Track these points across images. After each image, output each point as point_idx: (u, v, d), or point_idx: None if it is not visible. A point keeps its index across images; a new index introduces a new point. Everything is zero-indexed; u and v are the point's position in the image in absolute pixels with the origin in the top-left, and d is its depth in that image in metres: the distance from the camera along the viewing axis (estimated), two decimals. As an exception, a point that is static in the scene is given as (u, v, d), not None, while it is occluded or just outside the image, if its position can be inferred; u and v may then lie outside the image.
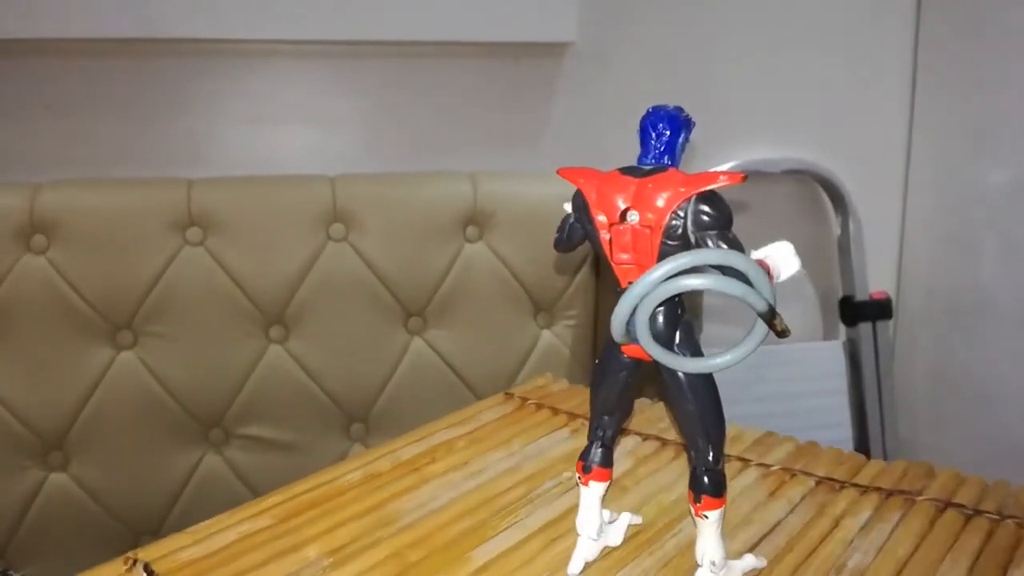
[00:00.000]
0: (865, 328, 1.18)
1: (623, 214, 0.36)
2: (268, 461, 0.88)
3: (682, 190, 0.35)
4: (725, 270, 0.34)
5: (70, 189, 0.84)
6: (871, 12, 1.14)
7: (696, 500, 0.38)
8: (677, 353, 0.37)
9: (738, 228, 0.35)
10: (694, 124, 0.37)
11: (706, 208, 0.35)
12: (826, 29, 1.13)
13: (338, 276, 0.87)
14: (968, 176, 1.11)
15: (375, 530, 0.44)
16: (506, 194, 0.90)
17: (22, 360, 0.82)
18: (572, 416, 0.57)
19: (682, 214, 0.35)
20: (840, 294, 1.19)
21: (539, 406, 0.59)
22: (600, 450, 0.41)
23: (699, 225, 0.35)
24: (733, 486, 0.48)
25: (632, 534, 0.43)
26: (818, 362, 1.19)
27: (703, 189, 0.35)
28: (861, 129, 1.18)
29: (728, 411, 0.37)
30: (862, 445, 1.18)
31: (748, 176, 0.35)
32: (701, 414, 0.37)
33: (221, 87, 0.99)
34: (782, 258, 0.35)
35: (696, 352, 0.37)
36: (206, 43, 0.95)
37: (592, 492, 0.41)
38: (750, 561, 0.40)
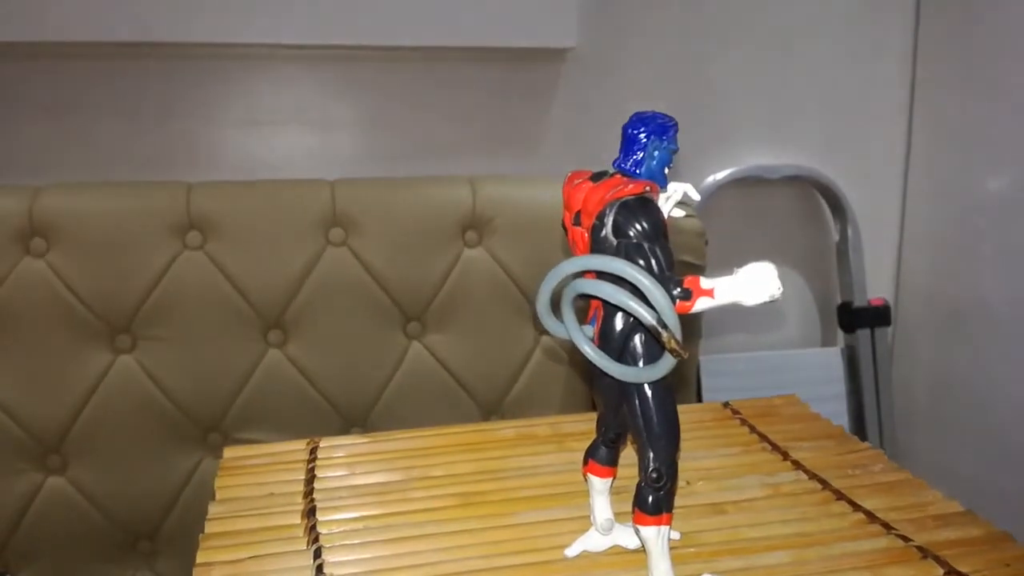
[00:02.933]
0: (863, 334, 1.18)
1: (575, 216, 0.38)
2: (266, 465, 0.88)
3: (608, 196, 0.36)
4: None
5: (69, 192, 0.84)
6: (870, 19, 1.15)
7: (632, 511, 0.38)
8: (627, 360, 0.37)
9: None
10: (675, 128, 0.37)
11: (619, 216, 0.36)
12: (825, 35, 1.13)
13: (337, 280, 0.87)
14: (966, 183, 1.12)
15: (477, 473, 0.51)
16: (505, 199, 0.90)
17: (21, 363, 0.82)
18: (763, 438, 0.55)
19: (605, 220, 0.36)
20: (839, 300, 1.19)
21: (743, 422, 0.58)
22: (602, 448, 0.42)
23: (616, 232, 0.36)
24: (854, 546, 0.42)
25: None
26: (816, 368, 1.19)
27: (617, 198, 0.36)
28: (860, 135, 1.18)
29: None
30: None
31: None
32: (645, 424, 0.36)
33: (220, 91, 0.99)
34: (751, 282, 0.34)
35: (650, 362, 0.36)
36: (205, 47, 0.95)
37: (593, 485, 0.42)
38: None
